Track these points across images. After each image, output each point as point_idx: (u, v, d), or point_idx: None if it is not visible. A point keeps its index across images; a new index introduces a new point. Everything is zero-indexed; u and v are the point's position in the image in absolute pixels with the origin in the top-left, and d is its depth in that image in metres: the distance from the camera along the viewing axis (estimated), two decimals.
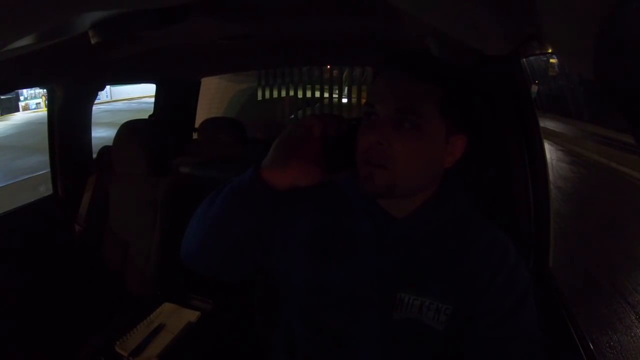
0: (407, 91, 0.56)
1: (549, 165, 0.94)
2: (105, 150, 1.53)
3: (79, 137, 1.55)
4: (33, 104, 12.57)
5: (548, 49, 0.75)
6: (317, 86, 3.82)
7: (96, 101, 1.59)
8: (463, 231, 0.63)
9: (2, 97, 10.58)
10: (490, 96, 0.93)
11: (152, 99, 2.16)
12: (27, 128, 9.40)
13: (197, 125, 2.19)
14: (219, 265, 0.65)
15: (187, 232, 0.65)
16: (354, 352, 0.63)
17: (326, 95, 3.85)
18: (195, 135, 2.22)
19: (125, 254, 1.40)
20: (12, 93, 10.99)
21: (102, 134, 3.80)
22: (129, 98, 14.11)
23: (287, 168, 0.58)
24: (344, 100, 3.81)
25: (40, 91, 11.65)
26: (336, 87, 3.80)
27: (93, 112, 1.59)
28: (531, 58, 0.91)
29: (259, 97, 3.79)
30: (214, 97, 3.44)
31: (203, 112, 2.48)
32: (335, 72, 3.76)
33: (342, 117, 0.64)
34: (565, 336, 0.73)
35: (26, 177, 5.57)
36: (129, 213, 1.41)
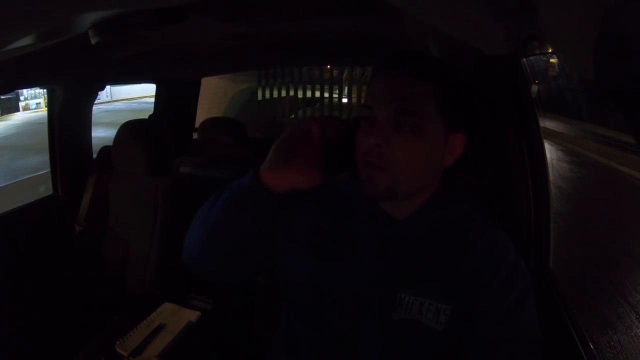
0: (405, 92, 0.56)
1: (549, 165, 0.94)
2: (105, 150, 1.53)
3: (79, 137, 1.55)
4: (33, 104, 12.57)
5: (548, 49, 0.74)
6: (317, 86, 3.83)
7: (96, 101, 1.59)
8: (463, 231, 0.63)
9: (2, 97, 10.58)
10: (490, 96, 0.93)
11: (152, 99, 2.16)
12: (27, 128, 9.40)
13: (197, 125, 2.19)
14: (220, 269, 0.65)
15: (187, 237, 0.64)
16: (354, 352, 0.63)
17: (326, 95, 3.86)
18: (195, 135, 2.23)
19: (125, 254, 1.40)
20: (13, 93, 11.00)
21: (102, 134, 3.80)
22: (129, 98, 14.12)
23: (286, 170, 0.58)
24: (344, 100, 3.82)
25: (40, 91, 11.65)
26: (336, 87, 3.81)
27: (93, 112, 1.59)
28: (531, 58, 0.91)
29: (259, 97, 3.79)
30: (214, 97, 3.44)
31: (203, 112, 2.48)
32: (335, 72, 3.77)
33: (340, 118, 0.64)
34: (565, 336, 0.72)
35: (26, 177, 5.57)
36: (129, 213, 1.41)
